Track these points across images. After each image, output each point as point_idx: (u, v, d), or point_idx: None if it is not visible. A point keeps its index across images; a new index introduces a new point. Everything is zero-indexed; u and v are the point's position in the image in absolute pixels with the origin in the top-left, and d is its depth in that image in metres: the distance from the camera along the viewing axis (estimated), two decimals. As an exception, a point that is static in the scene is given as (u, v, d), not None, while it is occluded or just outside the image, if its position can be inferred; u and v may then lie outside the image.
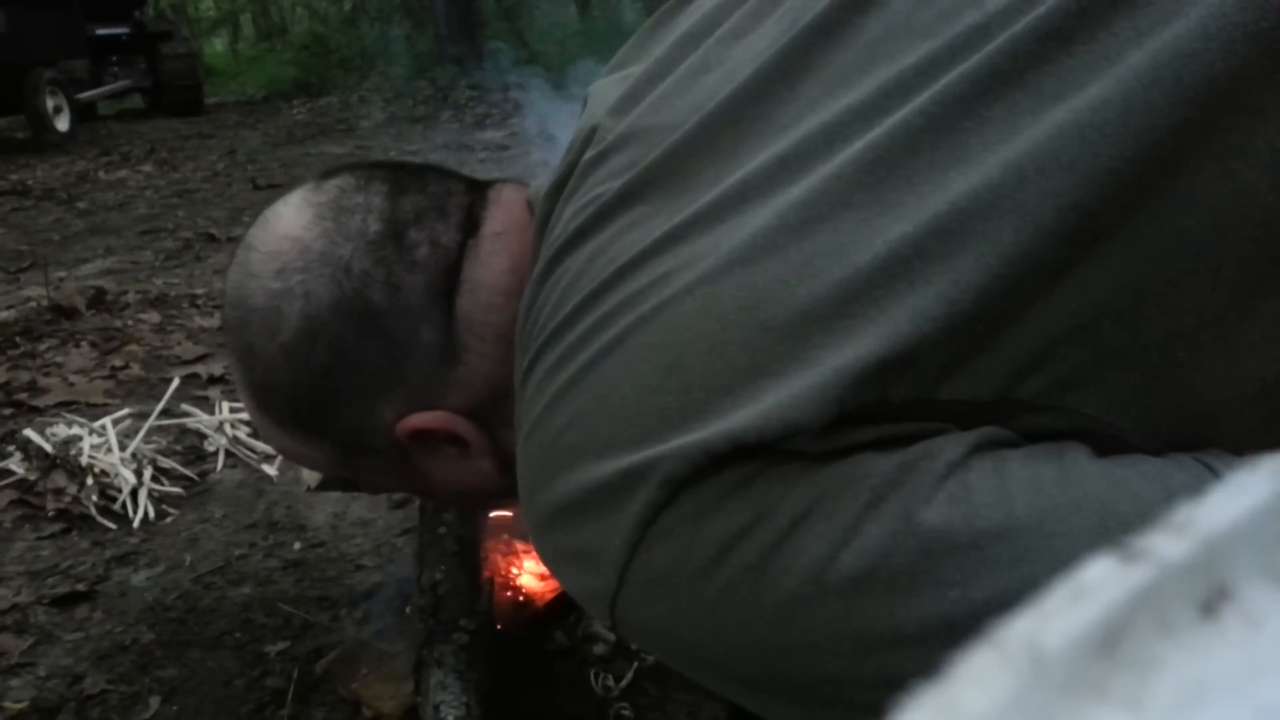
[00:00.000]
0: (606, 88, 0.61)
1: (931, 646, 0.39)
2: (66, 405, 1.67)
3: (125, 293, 2.43)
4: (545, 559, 0.52)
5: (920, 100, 0.44)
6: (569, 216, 0.53)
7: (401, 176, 0.60)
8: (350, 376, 0.58)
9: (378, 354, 0.57)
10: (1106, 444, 0.42)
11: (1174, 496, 0.39)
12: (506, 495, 0.59)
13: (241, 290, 0.59)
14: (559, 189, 0.56)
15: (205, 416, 1.55)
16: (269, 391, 0.60)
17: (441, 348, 0.57)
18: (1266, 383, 0.41)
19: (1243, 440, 0.42)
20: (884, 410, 0.41)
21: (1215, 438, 0.42)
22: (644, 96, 0.56)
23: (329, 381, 0.58)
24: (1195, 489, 0.38)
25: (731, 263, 0.44)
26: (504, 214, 0.61)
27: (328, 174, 0.62)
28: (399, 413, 0.59)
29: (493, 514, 1.00)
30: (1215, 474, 0.40)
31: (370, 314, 0.56)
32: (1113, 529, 0.38)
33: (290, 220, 0.59)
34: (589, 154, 0.55)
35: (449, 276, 0.57)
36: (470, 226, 0.59)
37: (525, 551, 1.05)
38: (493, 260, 0.59)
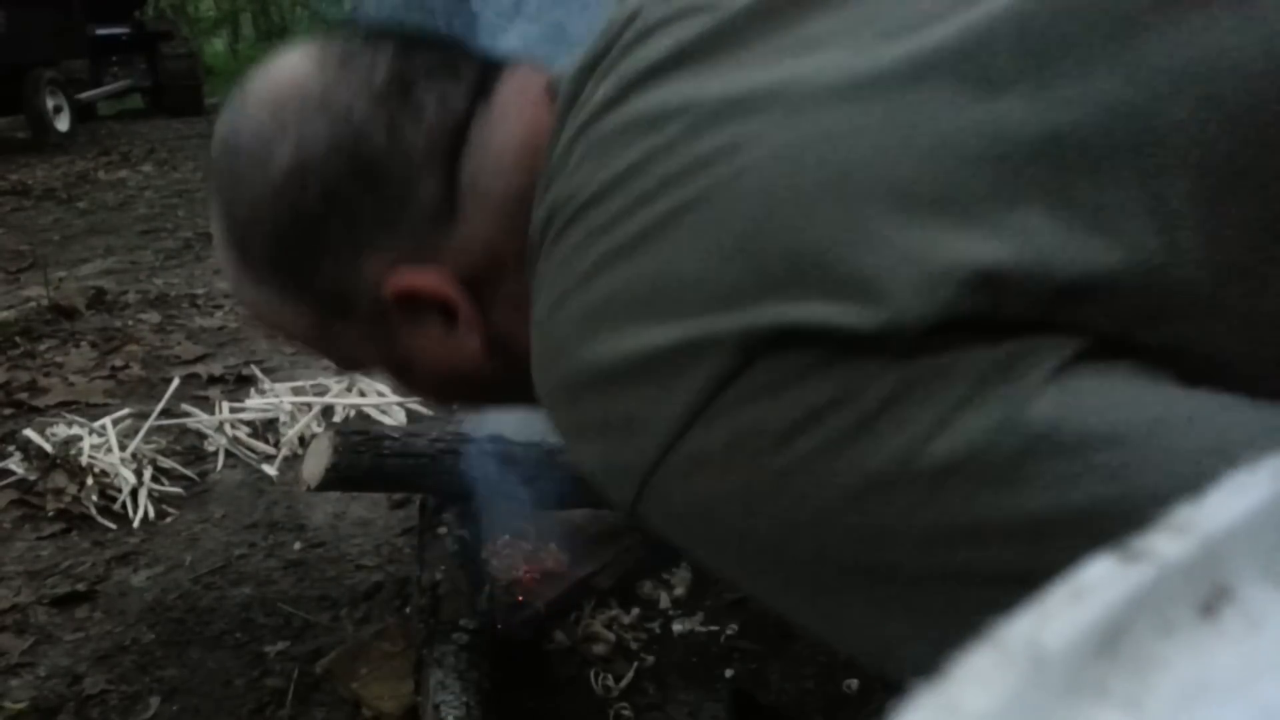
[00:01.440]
0: None
1: (1011, 547, 0.37)
2: (66, 405, 1.67)
3: (125, 293, 2.43)
4: (564, 428, 0.48)
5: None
6: (611, 82, 0.50)
7: (415, 37, 0.57)
8: (340, 224, 0.54)
9: (371, 202, 0.54)
10: (1195, 381, 0.39)
11: (1276, 434, 0.36)
12: (485, 387, 0.57)
13: (233, 129, 0.56)
14: (592, 66, 0.52)
15: (205, 416, 1.55)
16: (250, 238, 0.56)
17: (440, 205, 0.54)
18: None
19: None
20: (991, 321, 0.38)
21: None
22: None
23: (316, 228, 0.54)
24: None
25: (820, 134, 0.41)
26: (520, 84, 0.57)
27: (337, 31, 0.58)
28: (387, 269, 0.55)
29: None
30: None
31: (368, 160, 0.53)
32: (1224, 451, 0.35)
33: (292, 67, 0.56)
34: (628, 35, 0.52)
35: (455, 136, 0.54)
36: (483, 91, 0.55)
37: (525, 551, 1.05)
38: (503, 126, 0.55)
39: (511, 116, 0.56)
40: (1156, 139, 0.38)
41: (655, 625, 1.01)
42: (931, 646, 0.36)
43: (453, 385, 0.63)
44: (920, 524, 0.38)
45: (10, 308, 2.32)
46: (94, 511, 1.31)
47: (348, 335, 0.59)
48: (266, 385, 1.67)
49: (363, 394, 1.62)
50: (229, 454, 1.48)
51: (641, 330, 0.42)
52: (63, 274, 2.69)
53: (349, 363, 0.65)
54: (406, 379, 0.64)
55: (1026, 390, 0.37)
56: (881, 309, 0.37)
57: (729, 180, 0.42)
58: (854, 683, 0.91)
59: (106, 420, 1.49)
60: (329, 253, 0.55)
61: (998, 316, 0.38)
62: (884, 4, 0.45)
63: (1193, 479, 0.35)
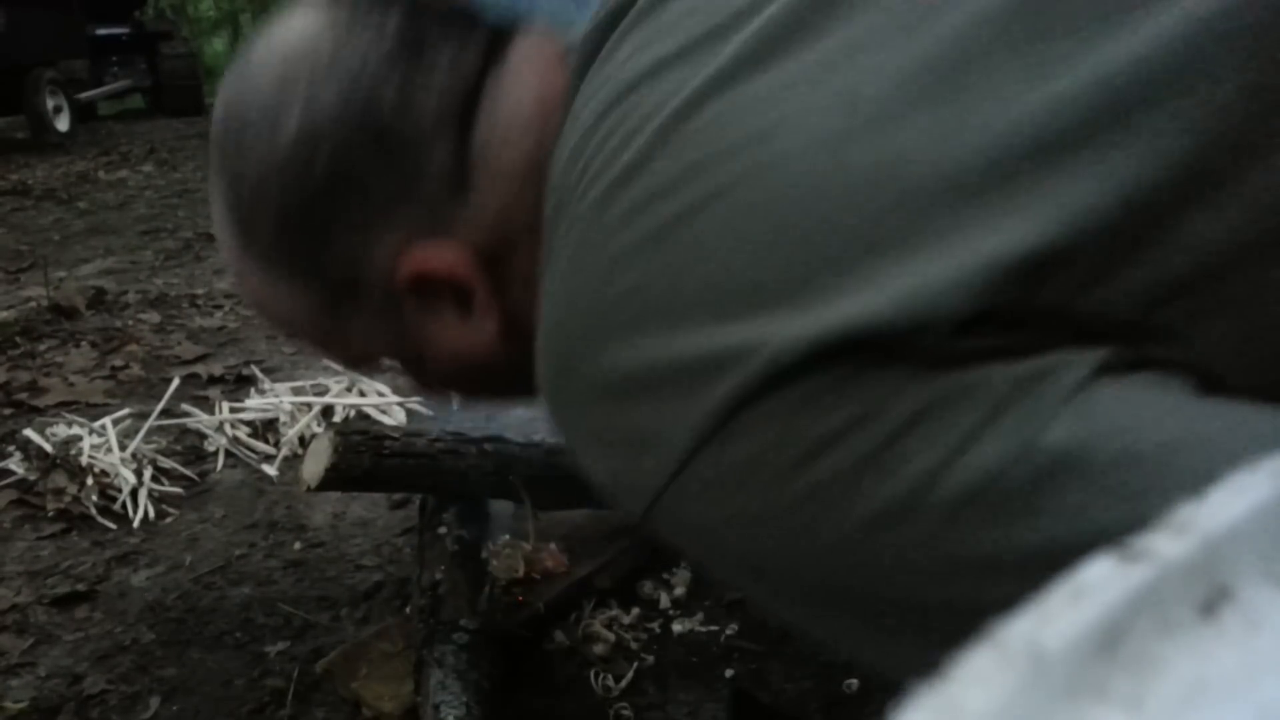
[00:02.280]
0: None
1: (1027, 576, 0.36)
2: (66, 405, 1.67)
3: (125, 293, 2.43)
4: (571, 436, 0.46)
5: None
6: (630, 53, 0.47)
7: (426, 1, 0.54)
8: (349, 198, 0.52)
9: (382, 171, 0.51)
10: (1213, 386, 0.39)
11: None
12: (505, 376, 0.55)
13: (236, 100, 0.53)
14: (612, 24, 0.50)
15: (205, 416, 1.55)
16: (255, 218, 0.54)
17: (452, 174, 0.51)
18: None
19: None
20: (1020, 315, 0.37)
21: None
22: None
23: (325, 203, 0.52)
24: None
25: (853, 126, 0.39)
26: (534, 46, 0.55)
27: None
28: (399, 248, 0.52)
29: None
30: None
31: (378, 127, 0.51)
32: (1237, 469, 0.35)
33: (297, 29, 0.53)
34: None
35: (466, 101, 0.51)
36: (495, 55, 0.53)
37: (525, 550, 1.05)
38: (516, 91, 0.53)
39: (525, 80, 0.53)
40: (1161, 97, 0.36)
41: (655, 625, 1.01)
42: (941, 663, 0.35)
43: (466, 375, 0.60)
44: (936, 555, 0.38)
45: (10, 308, 2.32)
46: (94, 511, 1.31)
47: (356, 325, 0.56)
48: (266, 385, 1.68)
49: (363, 394, 1.62)
50: (229, 454, 1.48)
51: (661, 337, 0.40)
52: (63, 274, 2.69)
53: (355, 357, 0.63)
54: (417, 370, 0.62)
55: (1043, 413, 0.36)
56: (916, 305, 0.36)
57: (764, 167, 0.39)
58: (854, 683, 0.91)
59: (106, 420, 1.49)
60: (339, 228, 0.52)
61: (1033, 306, 0.37)
62: None
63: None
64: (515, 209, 0.52)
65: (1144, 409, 0.37)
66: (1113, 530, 0.35)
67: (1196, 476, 0.36)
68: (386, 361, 0.62)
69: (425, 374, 0.61)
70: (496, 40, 0.54)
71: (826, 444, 0.38)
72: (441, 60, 0.52)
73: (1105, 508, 0.35)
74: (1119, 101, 0.37)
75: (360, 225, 0.52)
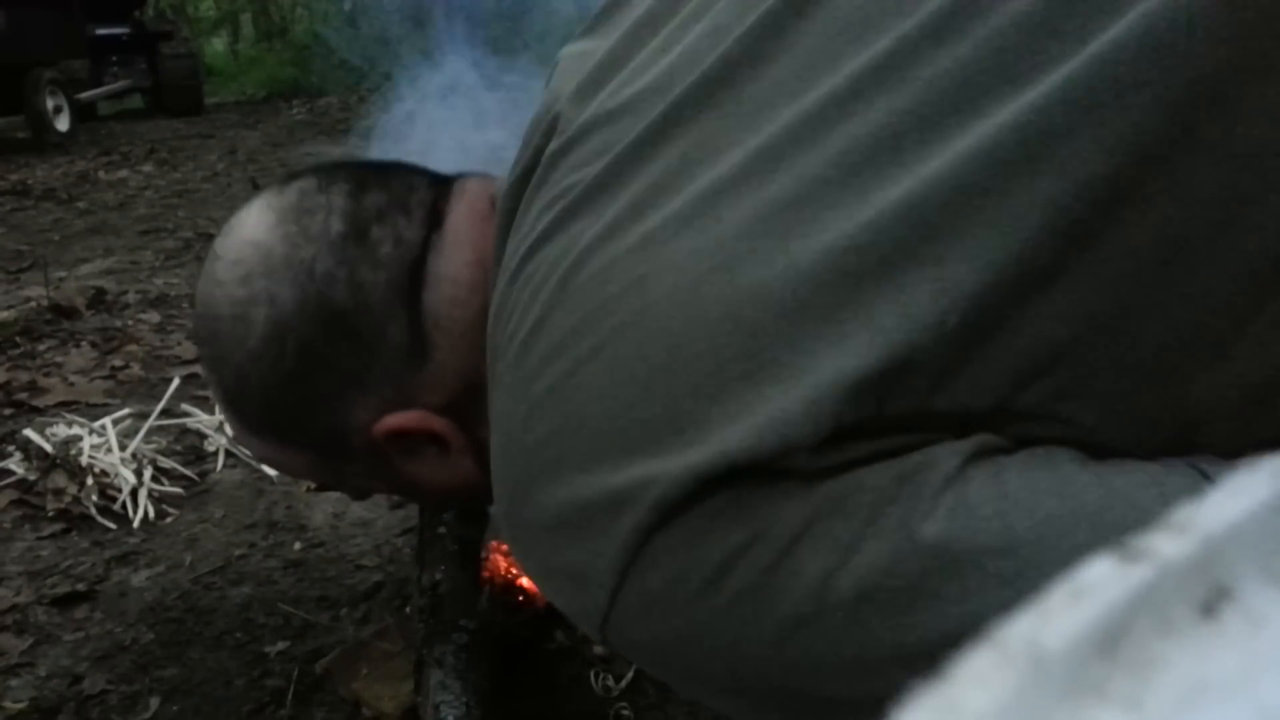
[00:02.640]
0: (568, 67, 0.59)
1: (935, 664, 0.38)
2: (66, 405, 1.67)
3: (125, 293, 2.43)
4: (530, 573, 0.51)
5: (900, 90, 0.42)
6: (537, 212, 0.51)
7: (365, 175, 0.60)
8: (320, 379, 0.57)
9: (346, 355, 0.56)
10: (1093, 451, 0.41)
11: (1170, 502, 0.37)
12: (484, 491, 0.58)
13: (209, 299, 0.59)
14: (523, 182, 0.54)
15: (205, 416, 1.55)
16: (242, 399, 0.59)
17: (410, 345, 0.56)
18: (1255, 389, 0.41)
19: (1232, 444, 0.41)
20: (878, 423, 0.40)
21: (1206, 443, 0.41)
22: (606, 82, 0.53)
23: (299, 386, 0.57)
24: (1190, 494, 0.38)
25: (714, 266, 0.42)
26: (468, 207, 0.59)
27: (291, 176, 0.61)
28: (374, 414, 0.57)
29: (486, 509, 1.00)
30: (1208, 478, 0.39)
31: (336, 315, 0.56)
32: (1112, 539, 0.37)
33: (252, 225, 0.58)
34: (553, 145, 0.53)
35: (414, 272, 0.56)
36: (434, 221, 0.58)
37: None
38: (457, 253, 0.57)
39: (463, 241, 0.58)
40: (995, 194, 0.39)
41: (655, 625, 1.01)
42: None
43: (460, 494, 0.66)
44: (846, 654, 0.40)
45: (10, 308, 2.32)
46: (94, 511, 1.31)
47: (351, 471, 0.63)
48: (266, 385, 1.67)
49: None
50: (229, 454, 1.48)
51: (573, 477, 0.44)
52: (63, 274, 2.69)
53: (359, 492, 0.70)
54: (416, 497, 0.70)
55: (920, 508, 0.39)
56: (778, 431, 0.39)
57: (637, 318, 0.43)
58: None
59: (106, 420, 1.49)
60: (316, 406, 0.58)
61: (887, 417, 0.39)
62: (767, 105, 0.46)
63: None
64: (472, 363, 0.56)
65: (1017, 491, 0.39)
66: (1002, 614, 0.37)
67: (1072, 552, 0.37)
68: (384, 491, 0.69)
69: (423, 499, 0.71)
70: (434, 204, 0.59)
71: (728, 565, 0.41)
72: (386, 236, 0.57)
73: (992, 592, 0.38)
74: (939, 216, 0.39)
75: (334, 400, 0.58)
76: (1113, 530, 0.38)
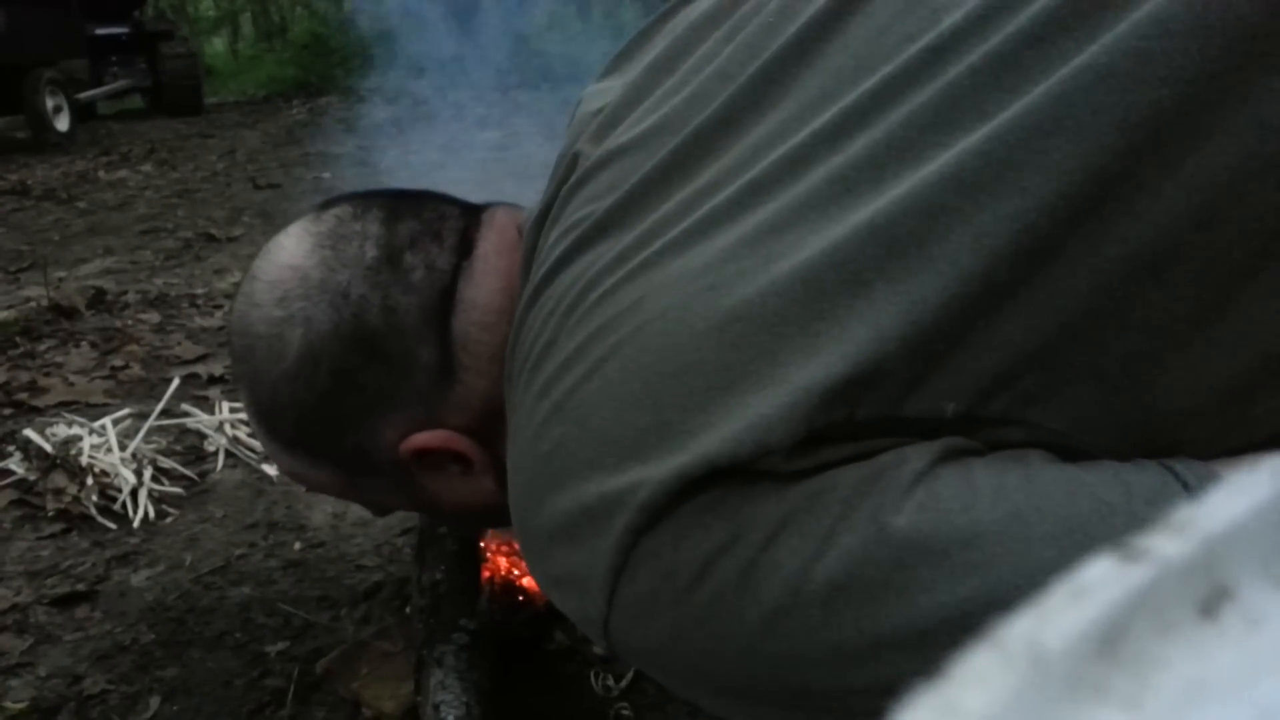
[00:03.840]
0: (589, 105, 0.63)
1: (908, 653, 0.40)
2: (66, 405, 1.67)
3: (125, 293, 2.43)
4: (540, 584, 0.53)
5: (879, 125, 0.45)
6: (551, 243, 0.55)
7: (397, 204, 0.62)
8: (352, 399, 0.59)
9: (377, 376, 0.59)
10: (1068, 453, 0.43)
11: (1136, 499, 0.39)
12: (507, 515, 0.61)
13: (245, 319, 0.61)
14: (544, 216, 0.58)
15: (205, 416, 1.55)
16: (275, 416, 0.62)
17: (439, 367, 0.59)
18: (1221, 393, 0.42)
19: (1200, 448, 0.42)
20: (852, 428, 0.42)
21: (1175, 446, 0.43)
22: (621, 121, 0.58)
23: (331, 404, 0.59)
24: (1157, 490, 0.40)
25: (703, 285, 0.45)
26: (497, 236, 0.62)
27: (327, 203, 0.64)
28: (401, 433, 0.60)
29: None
30: (1177, 476, 0.40)
31: (369, 337, 0.58)
32: (1076, 532, 0.39)
33: (290, 250, 0.61)
34: (570, 181, 0.57)
35: (444, 298, 0.59)
36: (464, 249, 0.61)
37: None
38: (486, 280, 0.60)
39: (491, 269, 0.61)
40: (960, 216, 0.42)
41: (655, 625, 1.01)
42: None
43: (481, 515, 0.69)
44: (824, 646, 0.42)
45: (10, 307, 2.32)
46: (94, 511, 1.31)
47: (376, 487, 0.65)
48: (266, 385, 1.67)
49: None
50: (229, 454, 1.48)
51: (573, 486, 0.47)
52: (63, 274, 2.69)
53: (380, 509, 0.72)
54: (437, 515, 0.74)
55: (889, 502, 0.41)
56: (754, 436, 0.41)
57: (633, 336, 0.46)
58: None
59: (106, 420, 1.49)
60: (346, 424, 0.60)
61: (859, 422, 0.42)
62: (765, 144, 0.50)
63: (1048, 563, 0.39)
64: (497, 387, 0.59)
65: (985, 487, 0.41)
66: (973, 601, 0.39)
67: (1037, 544, 0.39)
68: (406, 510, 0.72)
69: (443, 517, 0.74)
70: (465, 232, 0.62)
71: (711, 562, 0.43)
72: (418, 261, 0.59)
73: (960, 582, 0.39)
74: (907, 233, 0.42)
75: (363, 419, 0.60)
76: (1078, 524, 0.39)
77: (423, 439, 0.60)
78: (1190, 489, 0.40)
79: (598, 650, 0.97)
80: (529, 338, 0.53)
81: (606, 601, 0.46)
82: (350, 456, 0.62)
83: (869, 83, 0.47)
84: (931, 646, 0.39)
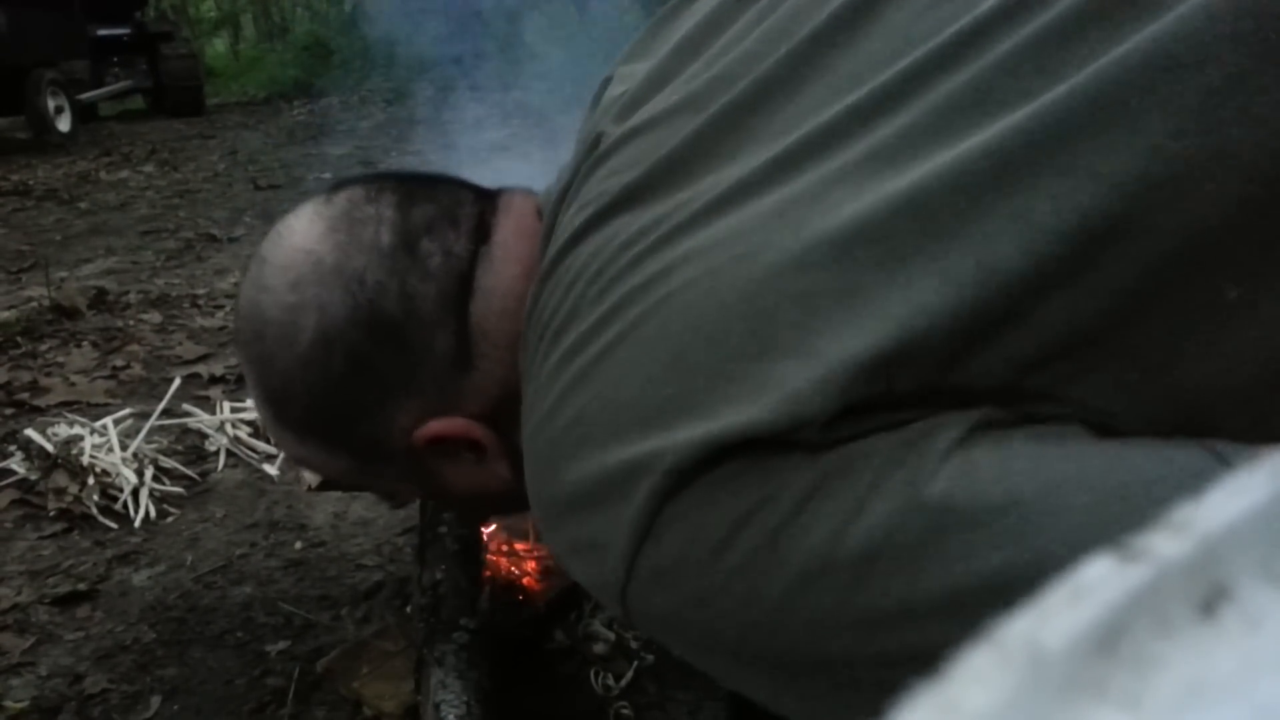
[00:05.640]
0: (613, 89, 0.62)
1: (939, 622, 0.39)
2: (68, 405, 1.67)
3: (126, 293, 2.44)
4: (555, 552, 0.52)
5: (918, 103, 0.44)
6: (570, 216, 0.54)
7: (411, 188, 0.61)
8: (367, 386, 0.58)
9: (394, 363, 0.57)
10: (1107, 432, 0.42)
11: (1176, 473, 0.39)
12: (521, 500, 0.60)
13: (255, 304, 0.59)
14: (564, 195, 0.57)
15: (206, 416, 1.55)
16: (285, 403, 0.60)
17: (456, 354, 0.58)
18: (1266, 377, 0.41)
19: (1242, 433, 0.41)
20: (888, 400, 0.41)
21: (1216, 429, 0.42)
22: (645, 100, 0.57)
23: (345, 391, 0.58)
24: (1198, 466, 0.39)
25: (732, 255, 0.45)
26: (514, 221, 0.61)
27: (337, 186, 0.62)
28: (415, 420, 0.59)
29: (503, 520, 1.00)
30: (1218, 455, 0.39)
31: (385, 324, 0.57)
32: (1115, 504, 0.38)
33: (302, 233, 0.59)
34: (591, 158, 0.56)
35: (462, 284, 0.58)
36: (482, 235, 0.60)
37: (525, 551, 1.05)
38: (504, 267, 0.59)
39: (510, 255, 0.59)
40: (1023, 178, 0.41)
41: (656, 625, 1.01)
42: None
43: (492, 503, 0.68)
44: (854, 612, 0.41)
45: (12, 308, 2.32)
46: (95, 511, 1.31)
47: (387, 475, 0.64)
48: (267, 385, 1.68)
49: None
50: (230, 454, 1.48)
51: (596, 454, 0.46)
52: (64, 274, 2.69)
53: (389, 496, 0.70)
54: (447, 504, 0.72)
55: (925, 469, 0.40)
56: (789, 408, 0.41)
57: (659, 305, 0.46)
58: (855, 683, 0.91)
59: (108, 420, 1.49)
60: (360, 412, 0.59)
61: (896, 394, 0.41)
62: (794, 122, 0.49)
63: (1087, 532, 0.38)
64: (514, 373, 0.58)
65: (1023, 458, 0.40)
66: (1007, 571, 0.38)
67: (1075, 514, 0.38)
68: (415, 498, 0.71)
69: (454, 506, 0.71)
70: (481, 217, 0.60)
71: (738, 527, 0.42)
72: (435, 247, 0.58)
73: (995, 551, 0.38)
74: (945, 207, 0.41)
75: (378, 409, 0.59)
76: (1117, 495, 0.38)
77: (438, 427, 0.59)
78: (1230, 467, 0.38)
79: (598, 650, 0.97)
80: (547, 309, 0.52)
81: (626, 568, 0.45)
82: (362, 444, 0.61)
83: (905, 62, 0.46)
84: (964, 614, 0.38)
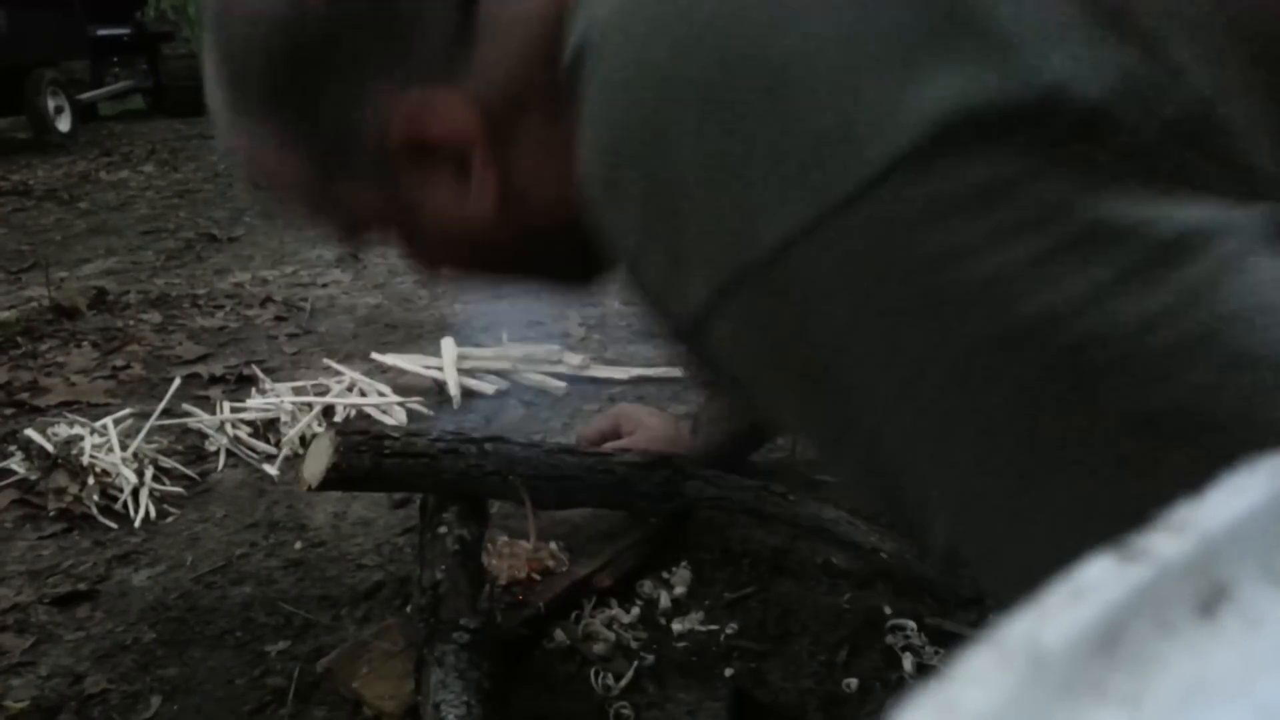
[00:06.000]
0: None
1: (1158, 438, 0.32)
2: (68, 405, 1.67)
3: (126, 293, 2.44)
4: (616, 204, 0.39)
5: None
6: None
7: None
8: (342, 45, 0.48)
9: (377, 19, 0.48)
10: None
11: None
12: (499, 254, 0.53)
13: None
14: None
15: (206, 416, 1.55)
16: (247, 69, 0.51)
17: (456, 25, 0.48)
18: None
19: None
20: (1139, 137, 0.33)
21: None
22: None
23: (318, 50, 0.49)
24: None
25: None
26: None
27: None
28: (395, 96, 0.49)
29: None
30: None
31: None
32: None
33: None
34: None
35: None
36: None
37: (525, 550, 1.05)
38: None
39: None
40: None
41: (655, 624, 1.01)
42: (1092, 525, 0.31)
43: (459, 247, 0.57)
44: (1076, 390, 0.33)
45: (11, 308, 2.32)
46: (95, 511, 1.31)
47: (347, 188, 0.54)
48: (267, 385, 1.68)
49: (363, 394, 1.62)
50: (230, 454, 1.48)
51: (783, 109, 0.34)
52: (64, 274, 2.69)
53: (346, 226, 0.60)
54: (410, 239, 0.58)
55: (1207, 271, 0.32)
56: (1054, 76, 0.32)
57: None
58: (853, 682, 0.91)
59: (108, 420, 1.49)
60: (331, 82, 0.49)
61: (1156, 130, 0.33)
62: None
63: None
64: (524, 68, 0.48)
65: None
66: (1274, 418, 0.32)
67: None
68: (376, 236, 0.58)
69: (416, 243, 0.58)
70: None
71: (991, 240, 0.33)
72: None
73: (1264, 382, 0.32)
74: None
75: (354, 80, 0.49)
76: None
77: (421, 108, 0.49)
78: None
79: (598, 650, 0.97)
80: None
81: (781, 244, 0.34)
82: (326, 131, 0.51)
83: None
84: (1178, 444, 0.32)
